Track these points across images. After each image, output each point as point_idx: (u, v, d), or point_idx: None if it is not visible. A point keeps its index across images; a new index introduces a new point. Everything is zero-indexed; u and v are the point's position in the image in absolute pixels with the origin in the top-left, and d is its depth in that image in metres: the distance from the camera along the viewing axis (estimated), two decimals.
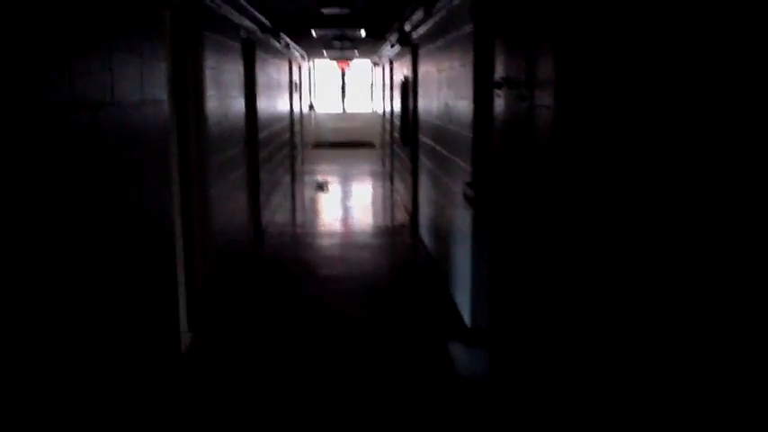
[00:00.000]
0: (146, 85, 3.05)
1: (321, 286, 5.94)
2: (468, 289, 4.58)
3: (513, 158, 3.28)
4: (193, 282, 4.86)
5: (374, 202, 10.98)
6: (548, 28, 2.69)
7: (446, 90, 5.55)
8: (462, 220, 4.74)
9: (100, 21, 2.48)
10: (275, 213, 9.09)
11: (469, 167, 4.44)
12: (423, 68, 7.26)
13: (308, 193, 11.73)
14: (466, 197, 4.27)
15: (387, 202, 10.81)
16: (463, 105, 4.69)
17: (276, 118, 9.61)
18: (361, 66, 20.38)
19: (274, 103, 9.37)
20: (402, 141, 9.19)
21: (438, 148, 6.11)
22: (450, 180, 5.40)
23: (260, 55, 7.85)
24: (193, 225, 4.74)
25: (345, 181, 13.47)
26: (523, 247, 3.15)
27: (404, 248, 7.56)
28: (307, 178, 13.50)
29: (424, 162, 7.22)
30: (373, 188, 12.50)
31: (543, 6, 2.76)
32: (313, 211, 9.98)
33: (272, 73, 9.01)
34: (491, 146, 4.10)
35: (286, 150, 11.12)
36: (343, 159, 16.86)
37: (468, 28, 4.48)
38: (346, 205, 10.50)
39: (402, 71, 9.68)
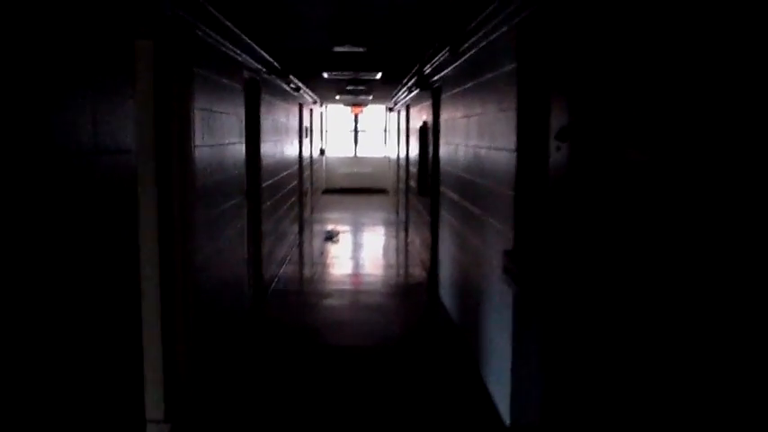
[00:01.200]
0: (100, 131, 2.31)
1: (326, 362, 5.12)
2: (508, 379, 3.74)
3: (581, 227, 2.50)
4: (174, 360, 4.05)
5: (387, 255, 10.19)
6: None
7: (477, 139, 4.81)
8: (499, 295, 3.93)
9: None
10: (281, 268, 8.31)
11: (510, 233, 3.65)
12: (446, 114, 6.54)
13: (316, 243, 10.95)
14: (507, 271, 3.47)
15: (401, 256, 10.01)
16: (501, 157, 3.93)
17: (283, 165, 8.91)
18: (374, 110, 19.84)
19: (281, 149, 8.68)
20: (419, 191, 8.45)
21: (465, 203, 5.34)
22: (481, 242, 4.61)
23: (266, 98, 7.18)
24: (175, 293, 3.96)
25: (357, 230, 12.71)
26: (596, 341, 2.34)
27: (421, 311, 6.72)
28: (316, 227, 12.75)
29: (447, 217, 6.44)
30: (386, 239, 11.72)
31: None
32: (321, 265, 9.19)
33: (279, 117, 8.34)
34: (541, 208, 3.32)
35: (294, 198, 10.40)
36: (355, 206, 16.13)
37: (509, 67, 3.75)
38: (357, 258, 9.71)
39: (420, 116, 8.99)
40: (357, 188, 19.55)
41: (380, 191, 19.37)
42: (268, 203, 7.41)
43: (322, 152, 17.66)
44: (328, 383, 4.68)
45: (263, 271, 7.00)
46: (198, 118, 4.00)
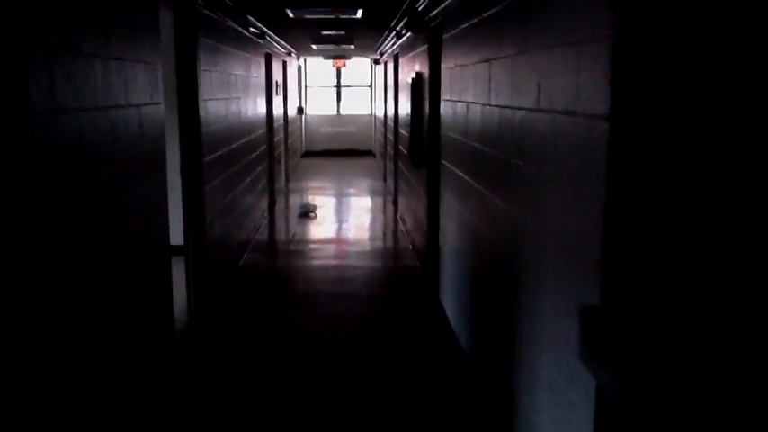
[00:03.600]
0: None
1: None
2: None
3: None
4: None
5: (373, 238, 8.52)
6: None
7: (507, 94, 3.11)
8: (564, 379, 2.28)
9: None
10: (240, 258, 6.65)
11: (592, 273, 1.99)
12: (450, 60, 4.81)
13: (290, 221, 9.26)
14: (588, 346, 1.82)
15: (389, 240, 8.35)
16: (568, 127, 2.25)
17: (244, 128, 7.16)
18: (359, 64, 17.93)
19: (240, 110, 6.93)
20: (412, 161, 6.75)
21: (483, 190, 3.66)
22: (517, 261, 2.96)
23: (208, 44, 5.41)
24: None
25: (338, 203, 11.01)
26: None
27: (416, 324, 5.09)
28: (292, 199, 11.04)
29: (452, 203, 4.77)
30: (372, 215, 10.04)
31: None
32: (289, 254, 7.52)
33: (234, 70, 6.56)
34: (668, 236, 1.65)
35: (261, 168, 8.67)
36: (338, 172, 14.39)
37: None
38: (336, 242, 8.04)
39: (412, 67, 7.24)
40: (340, 150, 17.76)
41: (366, 153, 17.60)
42: (217, 181, 5.70)
43: (300, 111, 15.83)
44: None
45: (207, 273, 5.33)
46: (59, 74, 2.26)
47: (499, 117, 3.25)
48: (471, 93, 3.96)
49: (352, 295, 5.75)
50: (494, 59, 3.36)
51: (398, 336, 4.80)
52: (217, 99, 5.69)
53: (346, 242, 7.92)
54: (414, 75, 6.73)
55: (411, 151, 6.76)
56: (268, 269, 6.74)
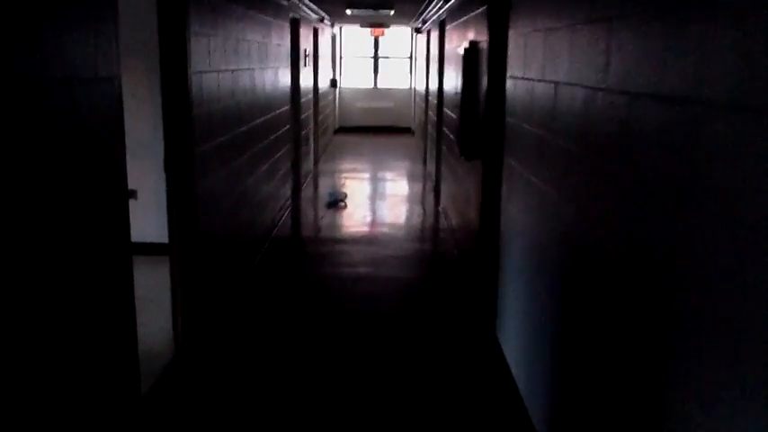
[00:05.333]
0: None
1: None
2: None
3: None
4: None
5: (410, 237, 7.31)
6: None
7: (656, 74, 1.83)
8: None
9: None
10: (249, 264, 5.50)
11: None
12: (526, 24, 3.53)
13: (317, 212, 8.10)
14: None
15: (428, 242, 7.13)
16: None
17: (260, 106, 5.98)
18: (399, 33, 16.57)
19: (256, 83, 5.74)
20: (461, 151, 5.48)
21: (582, 220, 2.41)
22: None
23: (209, 0, 4.21)
24: None
25: (373, 189, 9.81)
26: None
27: (467, 366, 3.89)
28: (322, 183, 9.87)
29: (521, 219, 3.52)
30: (410, 203, 8.81)
31: None
32: (310, 258, 6.35)
33: (248, 35, 5.36)
34: None
35: (284, 150, 7.50)
36: (373, 152, 13.16)
37: None
38: (370, 239, 6.85)
39: (464, 35, 5.94)
40: (376, 126, 16.50)
41: (404, 130, 16.31)
42: (218, 172, 4.54)
43: (333, 84, 14.59)
44: None
45: (202, 284, 4.19)
46: None
47: (627, 109, 1.99)
48: (564, 69, 2.69)
49: (380, 325, 4.57)
50: (620, 17, 2.08)
51: (433, 399, 3.60)
52: (219, 71, 4.50)
53: (379, 242, 6.72)
54: (466, 45, 5.44)
55: (460, 138, 5.49)
56: (284, 277, 5.58)
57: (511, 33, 3.87)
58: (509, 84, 3.89)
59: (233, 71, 4.89)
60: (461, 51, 5.47)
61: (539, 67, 3.13)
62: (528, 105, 3.36)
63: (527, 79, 3.40)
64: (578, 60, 2.49)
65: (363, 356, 4.03)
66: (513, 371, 3.64)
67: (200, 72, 4.07)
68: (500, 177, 4.17)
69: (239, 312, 4.67)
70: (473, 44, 5.25)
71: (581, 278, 2.41)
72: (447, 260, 6.05)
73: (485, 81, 4.58)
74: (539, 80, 3.14)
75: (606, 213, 2.15)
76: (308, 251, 6.41)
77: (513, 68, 3.78)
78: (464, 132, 5.41)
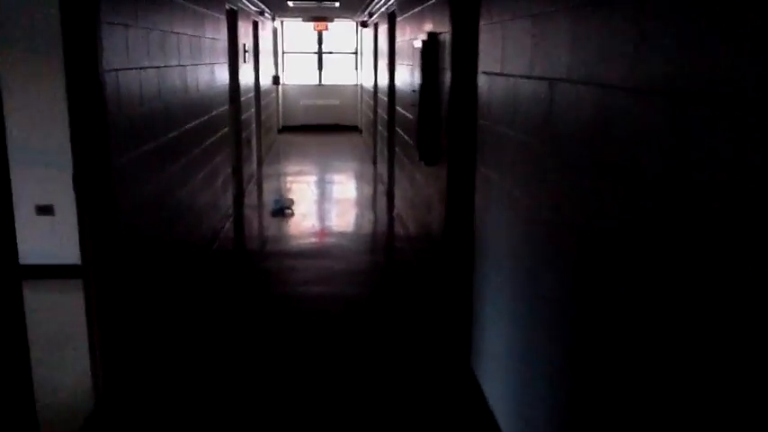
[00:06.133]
0: None
1: None
2: None
3: None
4: None
5: (365, 243, 6.76)
6: None
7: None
8: None
9: None
10: (182, 286, 4.85)
11: None
12: (503, 10, 3.01)
13: (261, 222, 7.47)
14: None
15: (379, 253, 6.60)
16: None
17: (193, 106, 5.32)
18: (343, 27, 15.96)
19: (186, 82, 5.08)
20: (421, 156, 4.95)
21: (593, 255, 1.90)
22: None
23: None
24: None
25: (321, 193, 9.20)
26: None
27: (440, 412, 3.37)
28: (265, 188, 9.22)
29: (509, 237, 3.00)
30: (361, 208, 8.23)
31: None
32: (254, 274, 5.74)
33: (173, 26, 4.69)
34: None
35: (223, 155, 6.83)
36: (319, 152, 12.54)
37: None
38: (320, 252, 6.26)
39: (421, 27, 5.41)
40: (322, 125, 15.87)
41: (351, 128, 15.72)
42: (147, 186, 3.88)
43: (276, 81, 13.89)
44: None
45: (126, 316, 3.53)
46: None
47: (664, 113, 1.47)
48: (564, 63, 2.17)
49: (338, 357, 4.00)
50: None
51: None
52: (141, 68, 3.84)
53: (331, 254, 6.14)
54: (423, 37, 4.91)
55: (419, 141, 4.96)
56: (226, 299, 4.95)
57: (483, 22, 3.35)
58: (482, 80, 3.37)
59: (159, 68, 4.23)
60: (418, 44, 4.94)
61: (525, 62, 2.62)
62: (510, 106, 2.84)
63: (507, 75, 2.88)
64: (588, 51, 1.98)
65: (319, 397, 3.45)
66: (499, 417, 3.12)
67: (117, 69, 3.41)
68: (471, 186, 3.65)
69: (174, 344, 4.03)
70: (432, 36, 4.71)
71: (597, 325, 1.90)
72: (406, 272, 5.51)
73: (447, 77, 4.06)
74: (525, 77, 2.62)
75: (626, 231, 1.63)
76: (253, 267, 5.78)
77: (487, 63, 3.26)
78: (424, 134, 4.88)
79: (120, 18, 3.46)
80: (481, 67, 3.38)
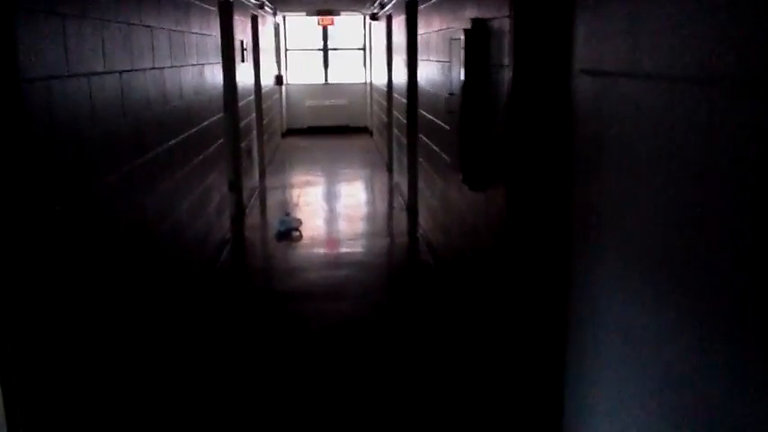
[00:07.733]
0: None
1: None
2: None
3: None
4: None
5: (388, 277, 5.70)
6: None
7: None
8: None
9: None
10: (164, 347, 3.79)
11: None
12: None
13: (266, 247, 6.42)
14: None
15: (411, 272, 5.52)
16: None
17: (173, 120, 4.26)
18: (350, 22, 14.89)
19: (163, 90, 4.01)
20: (465, 177, 3.86)
21: None
22: None
23: None
24: None
25: (331, 210, 8.12)
26: None
27: None
28: (269, 203, 8.16)
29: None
30: (378, 223, 7.16)
31: None
32: (262, 332, 4.68)
33: (141, 18, 3.62)
34: None
35: (216, 172, 5.78)
36: (327, 158, 11.46)
37: None
38: (337, 294, 5.19)
39: (457, 14, 4.32)
40: (329, 126, 14.80)
41: (360, 130, 14.65)
42: (109, 236, 2.82)
43: (279, 81, 12.82)
44: None
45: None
46: None
47: None
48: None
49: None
50: None
51: None
52: (91, 74, 2.77)
53: (350, 293, 5.07)
54: (466, 25, 3.83)
55: (464, 159, 3.87)
56: (222, 372, 3.88)
57: None
58: (583, 83, 2.29)
59: (122, 73, 3.17)
60: (460, 35, 3.85)
61: (675, 55, 1.54)
62: (666, 124, 1.76)
63: (645, 78, 1.80)
64: None
65: None
66: None
67: (51, 77, 2.35)
68: (568, 233, 2.58)
69: None
70: (479, 24, 3.64)
71: None
72: (445, 321, 4.45)
73: (506, 77, 2.99)
74: (686, 79, 1.55)
75: None
76: (254, 317, 4.70)
77: (593, 57, 2.18)
78: (470, 152, 3.80)
79: (51, 5, 2.40)
80: (578, 63, 2.31)
